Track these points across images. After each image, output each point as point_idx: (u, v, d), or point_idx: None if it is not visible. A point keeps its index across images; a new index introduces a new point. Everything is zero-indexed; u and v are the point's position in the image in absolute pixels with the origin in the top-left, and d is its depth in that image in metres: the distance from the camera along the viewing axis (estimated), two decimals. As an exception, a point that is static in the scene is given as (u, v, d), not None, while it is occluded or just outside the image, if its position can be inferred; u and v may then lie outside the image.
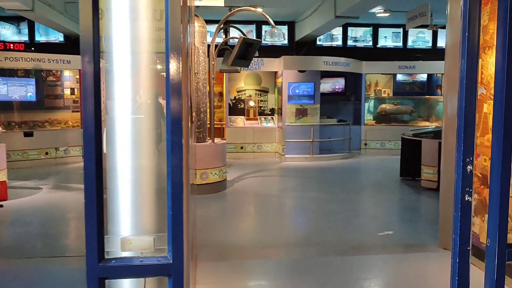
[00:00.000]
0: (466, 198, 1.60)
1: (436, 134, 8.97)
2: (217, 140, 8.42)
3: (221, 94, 13.50)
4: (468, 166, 1.59)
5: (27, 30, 13.81)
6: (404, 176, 9.38)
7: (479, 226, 4.17)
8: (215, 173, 7.94)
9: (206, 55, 8.14)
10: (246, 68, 12.46)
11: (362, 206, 7.30)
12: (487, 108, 3.90)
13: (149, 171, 2.24)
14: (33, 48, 13.30)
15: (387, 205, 7.27)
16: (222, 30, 12.32)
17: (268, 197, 7.84)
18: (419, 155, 8.58)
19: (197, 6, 7.73)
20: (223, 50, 8.68)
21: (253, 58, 12.29)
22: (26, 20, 13.14)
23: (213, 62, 7.81)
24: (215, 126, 13.41)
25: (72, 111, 11.83)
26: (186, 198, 2.35)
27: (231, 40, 11.11)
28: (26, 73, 11.06)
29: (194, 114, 7.69)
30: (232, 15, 7.51)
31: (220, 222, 6.20)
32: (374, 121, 13.85)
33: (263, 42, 14.29)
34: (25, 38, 13.77)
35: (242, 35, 7.29)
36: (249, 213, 6.94)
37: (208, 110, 8.24)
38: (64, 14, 11.63)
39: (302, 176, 9.94)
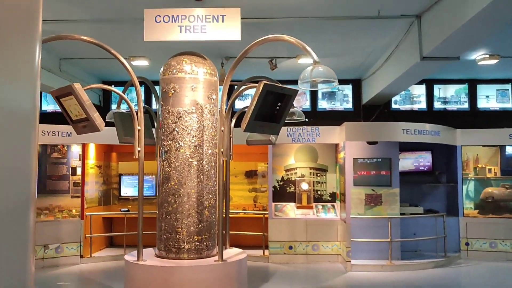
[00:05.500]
0: None
1: None
2: (232, 251, 5.17)
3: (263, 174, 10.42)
4: None
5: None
6: (556, 318, 5.50)
7: None
8: (223, 315, 4.62)
9: (216, 117, 5.19)
10: (295, 140, 9.37)
11: None
12: None
13: None
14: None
15: None
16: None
17: None
18: None
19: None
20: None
21: (300, 124, 9.10)
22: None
23: (222, 129, 4.78)
24: (255, 216, 10.28)
25: (71, 197, 9.30)
26: None
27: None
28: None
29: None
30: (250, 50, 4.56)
31: None
32: (477, 211, 9.97)
33: (319, 107, 11.31)
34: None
35: (265, 81, 4.25)
36: None
37: (217, 203, 5.11)
38: (58, 74, 9.35)
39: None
